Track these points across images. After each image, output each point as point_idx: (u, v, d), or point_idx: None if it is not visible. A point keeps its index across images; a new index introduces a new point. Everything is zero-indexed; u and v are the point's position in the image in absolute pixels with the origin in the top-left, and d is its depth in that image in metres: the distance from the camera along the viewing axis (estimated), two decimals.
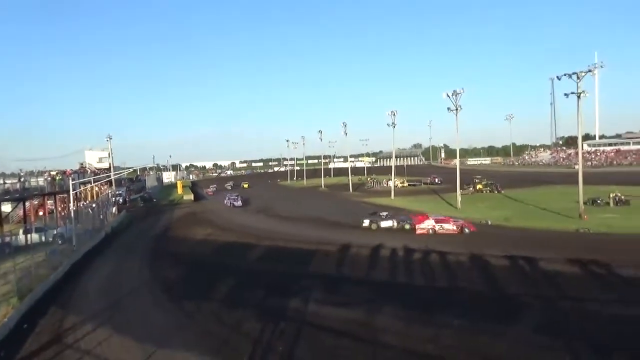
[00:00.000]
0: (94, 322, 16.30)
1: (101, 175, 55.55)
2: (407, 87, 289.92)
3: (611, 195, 44.63)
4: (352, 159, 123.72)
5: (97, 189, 53.19)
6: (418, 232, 33.91)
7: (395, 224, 36.81)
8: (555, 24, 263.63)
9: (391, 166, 73.56)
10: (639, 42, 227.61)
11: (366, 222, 37.48)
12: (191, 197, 75.61)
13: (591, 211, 39.47)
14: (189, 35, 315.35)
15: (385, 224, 36.86)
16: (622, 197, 44.60)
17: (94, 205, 40.29)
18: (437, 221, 34.25)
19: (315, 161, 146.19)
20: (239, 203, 62.05)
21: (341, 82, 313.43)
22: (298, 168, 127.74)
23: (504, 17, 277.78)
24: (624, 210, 40.51)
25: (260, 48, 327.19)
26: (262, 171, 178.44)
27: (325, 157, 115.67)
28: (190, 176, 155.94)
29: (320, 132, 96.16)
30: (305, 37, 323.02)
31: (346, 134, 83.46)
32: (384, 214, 39.11)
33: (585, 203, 40.11)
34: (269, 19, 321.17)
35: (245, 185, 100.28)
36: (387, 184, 77.24)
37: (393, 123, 64.22)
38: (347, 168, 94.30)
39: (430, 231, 33.56)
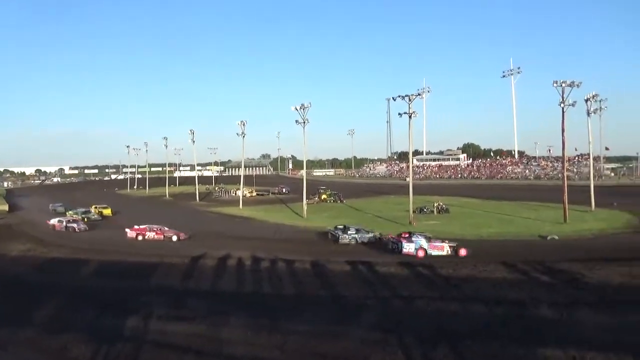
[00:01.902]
0: None
1: None
2: (257, 98, 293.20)
3: (435, 205, 50.69)
4: (200, 168, 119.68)
5: None
6: None
7: None
8: (390, 52, 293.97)
9: (240, 175, 72.90)
10: (458, 71, 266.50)
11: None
12: (5, 207, 64.69)
13: (419, 218, 44.23)
14: None
15: None
16: (444, 205, 51.06)
17: None
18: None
19: (160, 169, 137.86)
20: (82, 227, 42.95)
21: (189, 88, 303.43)
22: (140, 176, 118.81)
23: (348, 40, 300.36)
24: (445, 217, 46.17)
25: (96, 44, 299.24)
26: (96, 179, 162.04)
27: (170, 165, 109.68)
28: (5, 183, 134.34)
29: (165, 138, 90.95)
30: (149, 37, 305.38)
31: (194, 141, 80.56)
32: None
33: (414, 211, 44.69)
34: (101, 20, 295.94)
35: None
36: (236, 194, 76.35)
37: (243, 133, 63.76)
38: (194, 177, 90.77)
39: None
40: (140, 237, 36.01)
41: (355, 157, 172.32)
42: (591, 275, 20.59)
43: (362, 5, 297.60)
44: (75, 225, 42.36)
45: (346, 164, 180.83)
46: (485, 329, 14.82)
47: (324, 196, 67.52)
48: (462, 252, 27.60)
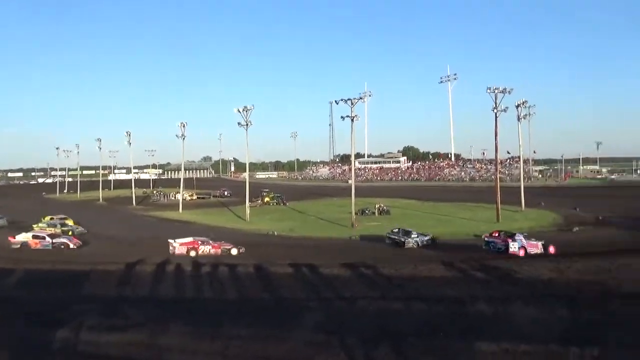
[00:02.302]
0: None
1: None
2: (199, 100, 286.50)
3: (376, 206, 51.65)
4: (137, 171, 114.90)
5: None
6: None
7: None
8: (333, 56, 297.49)
9: (180, 178, 70.64)
10: (398, 77, 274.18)
11: None
12: None
13: (361, 220, 44.78)
14: None
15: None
16: (385, 207, 52.14)
17: None
18: None
19: (93, 172, 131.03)
20: (75, 242, 34.46)
21: (125, 88, 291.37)
22: (70, 179, 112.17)
23: (292, 44, 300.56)
24: (386, 219, 47.03)
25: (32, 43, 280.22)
26: (21, 182, 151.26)
27: (104, 168, 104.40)
28: None
29: (99, 140, 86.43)
30: (80, 32, 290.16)
31: (130, 143, 77.08)
32: None
33: (356, 213, 45.16)
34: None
35: None
36: (175, 197, 73.94)
37: (183, 135, 61.76)
38: (131, 180, 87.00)
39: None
40: (193, 253, 29.96)
41: (298, 159, 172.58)
42: (523, 271, 21.66)
43: (304, 9, 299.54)
44: (66, 240, 33.69)
45: (289, 166, 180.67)
46: (426, 326, 15.10)
47: (266, 199, 66.99)
48: (551, 249, 27.74)
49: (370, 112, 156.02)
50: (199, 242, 30.61)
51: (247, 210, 50.40)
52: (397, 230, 33.60)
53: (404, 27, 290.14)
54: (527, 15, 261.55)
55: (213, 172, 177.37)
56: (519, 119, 54.24)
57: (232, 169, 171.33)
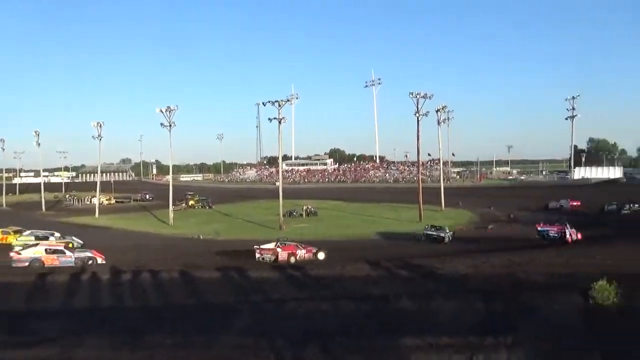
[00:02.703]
0: None
1: None
2: (117, 99, 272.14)
3: (304, 208, 51.91)
4: (47, 174, 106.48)
5: None
6: None
7: None
8: (260, 58, 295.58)
9: (96, 182, 66.46)
10: (325, 80, 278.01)
11: None
12: None
13: (289, 222, 44.77)
14: None
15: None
16: (313, 209, 52.48)
17: None
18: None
19: None
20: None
21: (33, 84, 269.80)
22: None
23: (218, 44, 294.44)
24: (313, 220, 47.38)
25: None
26: None
27: (8, 170, 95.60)
28: None
29: (2, 140, 79.10)
30: None
31: (39, 144, 71.47)
32: None
33: (284, 215, 45.07)
34: None
35: None
36: (91, 201, 69.53)
37: (99, 135, 58.27)
38: (40, 183, 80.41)
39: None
40: (292, 259, 27.60)
41: (224, 161, 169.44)
42: (444, 268, 22.64)
43: (228, 7, 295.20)
44: (90, 254, 27.13)
45: (215, 168, 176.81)
46: (353, 324, 15.26)
47: (191, 202, 65.15)
48: (579, 235, 30.68)
49: (298, 115, 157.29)
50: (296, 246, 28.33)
51: (171, 214, 48.55)
52: (430, 227, 35.95)
53: (331, 32, 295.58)
54: (449, 24, 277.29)
55: (133, 175, 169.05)
56: (439, 123, 57.11)
57: (154, 171, 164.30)
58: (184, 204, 63.70)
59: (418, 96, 47.80)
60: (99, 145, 59.41)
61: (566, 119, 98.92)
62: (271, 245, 28.25)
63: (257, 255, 27.77)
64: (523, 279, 20.04)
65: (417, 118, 48.15)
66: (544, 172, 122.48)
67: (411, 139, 51.75)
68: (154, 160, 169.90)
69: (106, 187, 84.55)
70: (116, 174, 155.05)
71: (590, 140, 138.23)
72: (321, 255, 27.93)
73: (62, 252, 26.49)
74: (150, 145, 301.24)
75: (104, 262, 26.80)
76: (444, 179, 63.82)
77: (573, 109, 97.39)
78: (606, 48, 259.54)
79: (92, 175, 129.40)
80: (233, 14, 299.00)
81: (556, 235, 30.12)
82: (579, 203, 53.82)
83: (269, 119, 45.35)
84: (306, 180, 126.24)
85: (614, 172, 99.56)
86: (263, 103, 47.55)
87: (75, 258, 26.15)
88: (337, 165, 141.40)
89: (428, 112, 49.64)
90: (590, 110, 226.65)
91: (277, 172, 63.49)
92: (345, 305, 17.43)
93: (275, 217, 44.78)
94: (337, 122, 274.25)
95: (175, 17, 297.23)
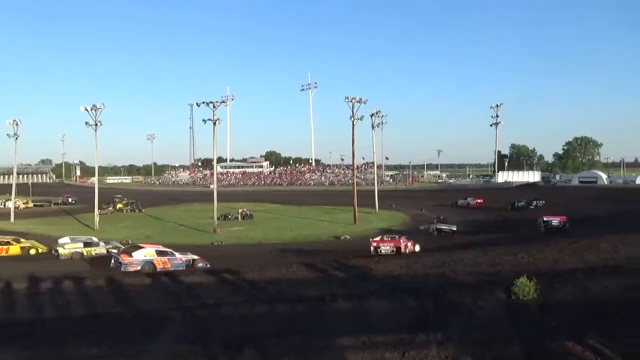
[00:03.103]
0: None
1: None
2: (37, 97, 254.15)
3: (239, 211, 51.21)
4: None
5: None
6: None
7: None
8: (194, 58, 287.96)
9: (10, 184, 61.55)
10: (261, 82, 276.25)
11: None
12: None
13: (224, 225, 43.94)
14: None
15: None
16: (248, 212, 51.89)
17: None
18: None
19: None
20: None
21: None
22: None
23: (149, 41, 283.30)
24: (249, 223, 46.86)
25: None
26: None
27: None
28: None
29: None
30: None
31: None
32: None
33: (219, 218, 44.21)
34: None
35: None
36: (5, 205, 64.33)
37: (15, 134, 54.01)
38: None
39: None
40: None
41: (155, 163, 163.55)
42: (378, 269, 23.18)
43: (164, 7, 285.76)
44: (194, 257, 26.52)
45: (145, 170, 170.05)
46: (289, 326, 15.24)
47: (119, 205, 62.20)
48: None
49: (233, 117, 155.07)
50: None
51: (97, 218, 45.99)
52: (440, 221, 37.64)
53: (267, 34, 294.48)
54: (385, 30, 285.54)
55: (54, 177, 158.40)
56: (373, 127, 58.59)
57: (78, 173, 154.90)
58: (111, 208, 60.66)
59: (353, 101, 48.84)
60: (16, 145, 55.17)
61: (491, 125, 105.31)
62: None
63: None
64: (451, 277, 20.99)
65: (353, 122, 49.19)
66: (470, 176, 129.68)
67: (347, 143, 52.74)
68: (77, 161, 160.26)
69: (23, 190, 78.45)
70: (35, 175, 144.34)
71: (512, 146, 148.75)
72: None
73: (172, 254, 25.93)
74: (74, 146, 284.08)
75: (207, 265, 26.12)
76: (378, 182, 65.60)
77: (497, 116, 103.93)
78: (527, 60, 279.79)
79: (7, 177, 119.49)
80: (165, 11, 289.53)
81: (558, 224, 34.42)
82: (482, 200, 62.46)
83: (204, 120, 44.41)
84: (242, 183, 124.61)
85: (533, 176, 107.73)
86: (197, 104, 46.51)
87: (185, 260, 25.81)
88: (273, 168, 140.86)
89: (363, 116, 50.99)
90: (512, 117, 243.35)
91: (212, 174, 62.19)
92: (283, 308, 17.37)
93: (209, 220, 43.76)
94: (273, 124, 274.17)
95: (104, 11, 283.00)
